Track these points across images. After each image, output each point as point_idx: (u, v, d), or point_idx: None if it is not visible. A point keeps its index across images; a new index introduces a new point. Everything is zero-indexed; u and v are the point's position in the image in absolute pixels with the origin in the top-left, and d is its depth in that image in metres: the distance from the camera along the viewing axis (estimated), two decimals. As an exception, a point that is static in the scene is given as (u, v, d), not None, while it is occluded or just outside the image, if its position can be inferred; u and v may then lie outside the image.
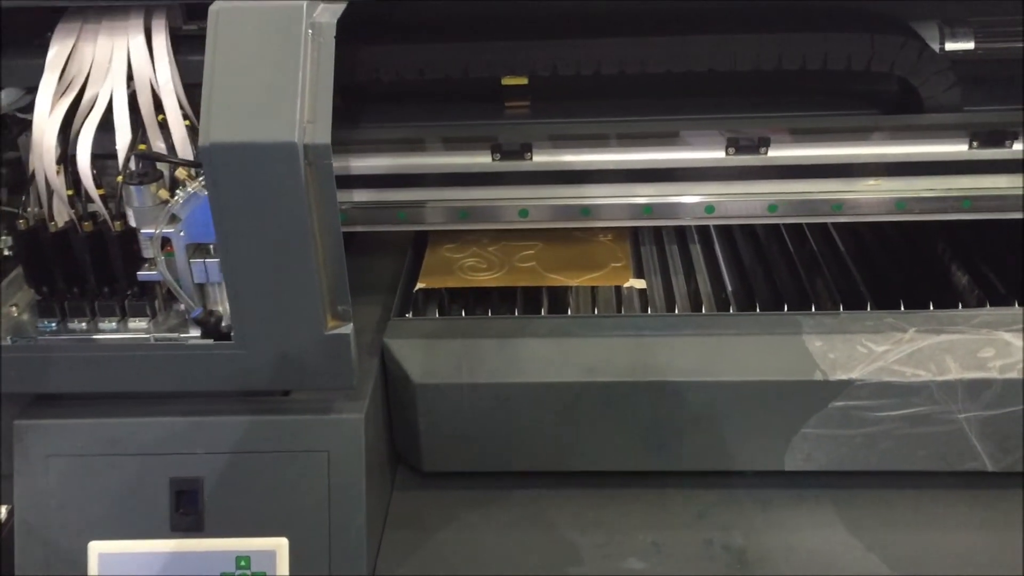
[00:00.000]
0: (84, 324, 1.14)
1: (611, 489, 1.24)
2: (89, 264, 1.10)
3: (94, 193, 1.07)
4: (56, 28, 1.09)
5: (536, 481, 1.25)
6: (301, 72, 0.99)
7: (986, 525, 1.18)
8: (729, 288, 1.39)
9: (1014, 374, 1.15)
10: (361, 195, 1.27)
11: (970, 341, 1.18)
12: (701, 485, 1.24)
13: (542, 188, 1.26)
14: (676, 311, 1.32)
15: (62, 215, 1.09)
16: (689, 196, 1.26)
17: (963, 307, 1.25)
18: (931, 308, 1.24)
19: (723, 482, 1.24)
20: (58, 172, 1.07)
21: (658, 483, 1.24)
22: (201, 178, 1.03)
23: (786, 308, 1.27)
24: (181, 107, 1.06)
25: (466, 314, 1.31)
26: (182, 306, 1.11)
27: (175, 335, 1.12)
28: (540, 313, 1.31)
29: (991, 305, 1.26)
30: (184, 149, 1.06)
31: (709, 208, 1.26)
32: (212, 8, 1.01)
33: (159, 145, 1.08)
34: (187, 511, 1.10)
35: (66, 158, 1.07)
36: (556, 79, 1.25)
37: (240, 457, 1.11)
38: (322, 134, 0.99)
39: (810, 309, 1.26)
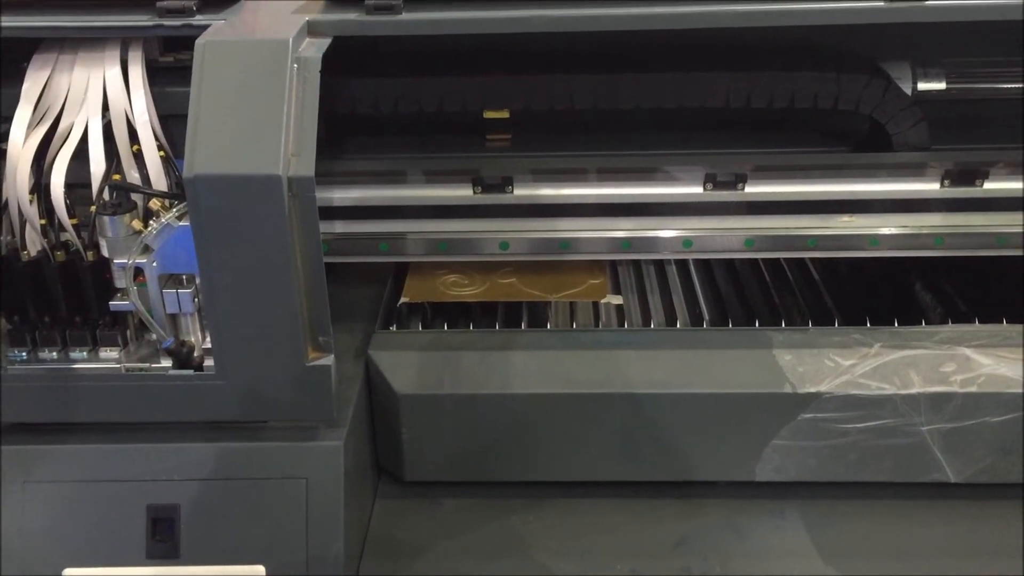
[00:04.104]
0: (55, 354, 1.05)
1: (588, 500, 1.18)
2: (61, 293, 1.02)
3: (67, 222, 0.99)
4: (32, 58, 1.01)
5: (514, 492, 1.18)
6: (286, 106, 0.93)
7: (950, 537, 1.13)
8: (703, 304, 1.34)
9: (975, 388, 1.11)
10: (343, 226, 1.20)
11: (932, 356, 1.14)
12: (676, 495, 1.17)
13: (522, 221, 1.20)
14: (652, 326, 1.26)
15: (35, 244, 1.01)
16: (667, 231, 1.20)
17: (926, 323, 1.21)
18: (896, 324, 1.19)
19: (698, 492, 1.18)
20: (31, 201, 0.98)
21: (633, 494, 1.18)
22: (175, 209, 0.96)
23: (757, 324, 1.23)
24: (156, 138, 0.99)
25: (448, 328, 1.25)
26: (154, 336, 1.03)
27: (146, 365, 1.04)
28: (520, 327, 1.25)
29: (952, 322, 1.22)
30: (158, 180, 0.99)
31: (687, 242, 1.21)
32: (199, 42, 0.95)
33: (133, 175, 1.00)
34: (163, 538, 1.02)
35: (40, 187, 0.99)
36: (536, 113, 1.19)
37: (217, 484, 1.04)
38: (306, 167, 0.93)
39: (780, 325, 1.21)
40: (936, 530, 1.13)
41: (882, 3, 1.01)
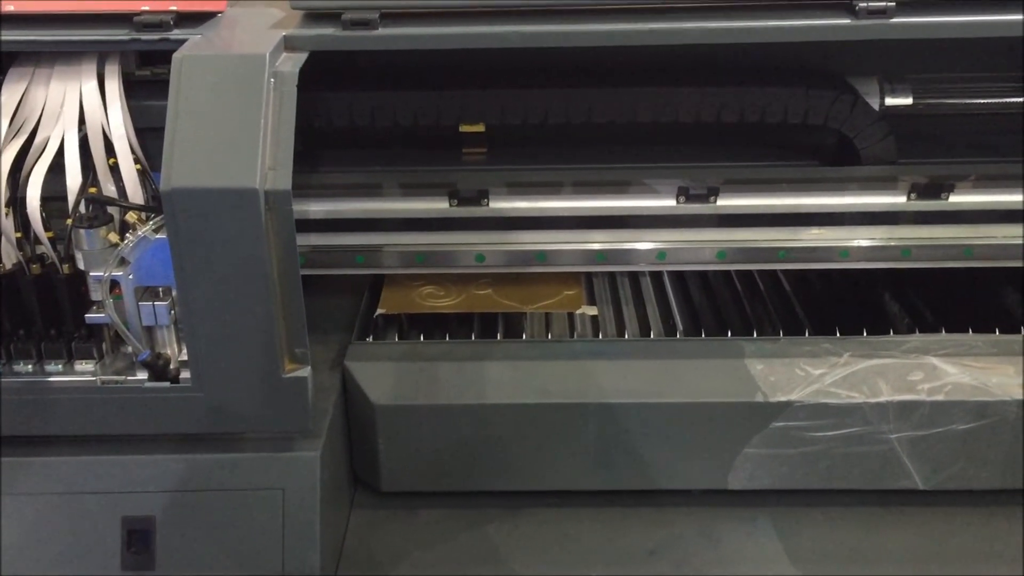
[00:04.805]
0: (30, 366, 1.04)
1: (563, 509, 1.18)
2: (36, 306, 1.02)
3: (43, 236, 0.99)
4: (8, 72, 1.02)
5: (490, 501, 1.19)
6: (263, 120, 0.94)
7: (919, 543, 1.14)
8: (676, 315, 1.35)
9: (941, 396, 1.13)
10: (320, 238, 1.21)
11: (900, 365, 1.16)
12: (650, 504, 1.18)
13: (498, 234, 1.21)
14: (626, 336, 1.27)
15: (10, 257, 1.01)
16: (641, 243, 1.22)
17: (894, 333, 1.22)
18: (864, 334, 1.21)
19: (672, 501, 1.18)
20: (7, 214, 0.98)
21: (608, 503, 1.19)
22: (151, 222, 0.96)
23: (730, 334, 1.24)
24: (133, 151, 0.99)
25: (424, 339, 1.24)
26: (130, 349, 1.03)
27: (122, 377, 1.03)
28: (496, 338, 1.26)
29: (920, 332, 1.23)
30: (135, 193, 1.00)
31: (661, 255, 1.22)
32: (176, 56, 0.95)
33: (110, 189, 1.00)
34: (138, 550, 1.02)
35: (15, 200, 0.99)
36: (512, 127, 1.20)
37: (193, 495, 1.04)
38: (283, 180, 0.93)
39: (752, 335, 1.23)
40: (906, 536, 1.14)
41: (848, 20, 1.03)
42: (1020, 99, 1.28)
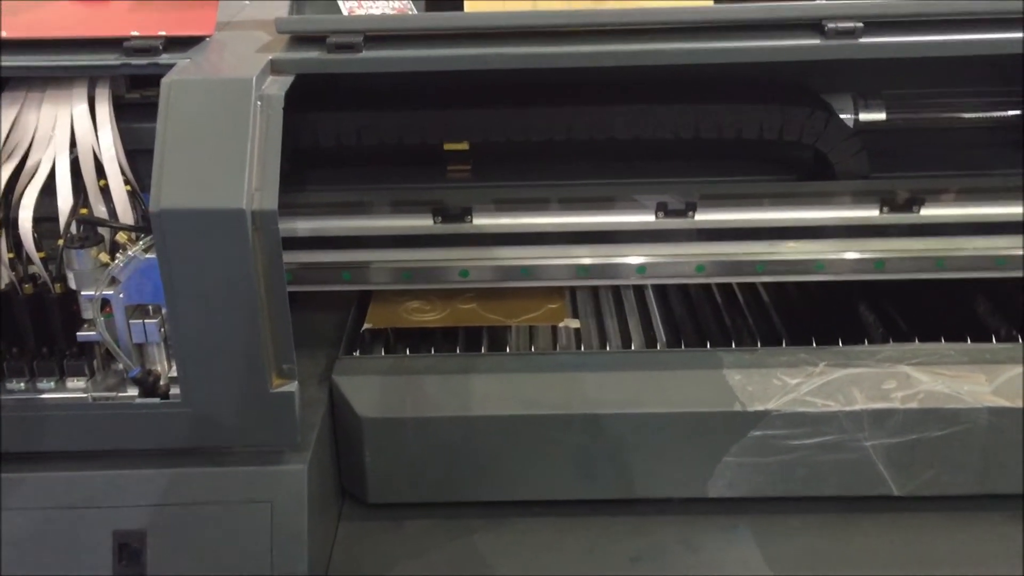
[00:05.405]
0: (23, 384, 1.07)
1: (547, 519, 1.20)
2: (29, 325, 1.04)
3: (35, 256, 1.02)
4: (1, 97, 1.04)
5: (475, 512, 1.21)
6: (250, 142, 0.96)
7: (895, 549, 1.16)
8: (658, 327, 1.38)
9: (915, 404, 1.15)
10: (307, 256, 1.23)
11: (874, 374, 1.18)
12: (632, 512, 1.20)
13: (482, 249, 1.24)
14: (608, 348, 1.30)
15: (2, 277, 1.03)
16: (622, 258, 1.24)
17: (869, 343, 1.25)
18: (840, 344, 1.23)
19: (653, 509, 1.20)
20: (0, 235, 1.00)
21: (591, 512, 1.21)
22: (142, 242, 0.99)
23: (709, 345, 1.27)
24: (123, 173, 1.02)
25: (411, 353, 1.27)
26: (121, 366, 1.05)
27: (113, 394, 1.05)
28: (481, 351, 1.28)
29: (894, 341, 1.26)
30: (125, 214, 1.02)
31: (641, 269, 1.25)
32: (164, 80, 0.98)
33: (100, 209, 1.03)
34: (129, 564, 1.03)
35: (7, 221, 1.01)
36: (495, 144, 1.23)
37: (183, 509, 1.05)
38: (269, 201, 0.96)
39: (731, 346, 1.26)
40: (882, 542, 1.16)
41: (817, 41, 1.06)
42: (990, 114, 1.33)
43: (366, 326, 1.28)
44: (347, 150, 1.21)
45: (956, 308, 1.36)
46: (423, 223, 1.21)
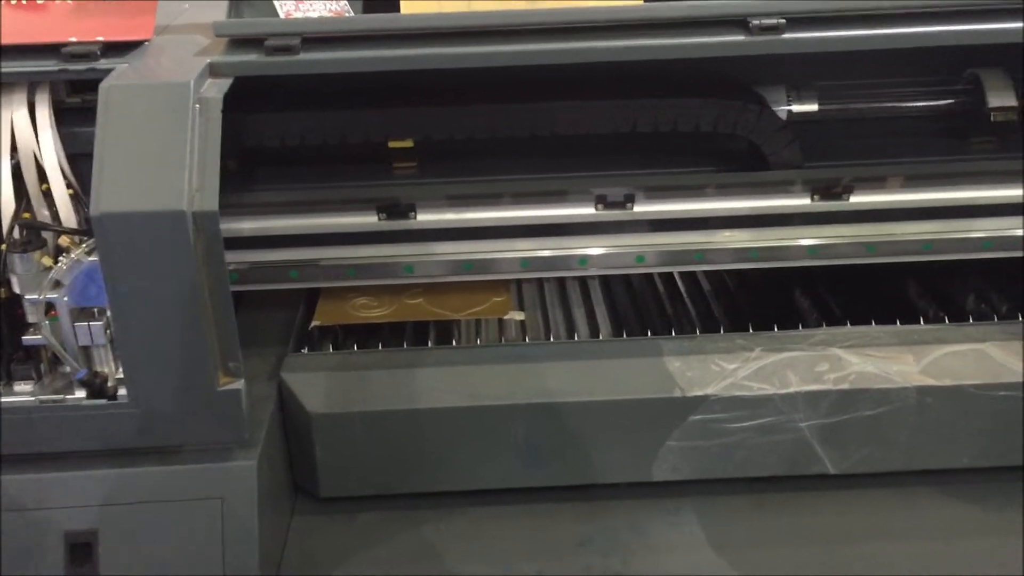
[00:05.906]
0: None
1: (496, 507, 1.23)
2: None
3: None
4: None
5: (426, 503, 1.23)
6: (189, 144, 0.97)
7: (833, 524, 1.20)
8: (602, 317, 1.40)
9: (846, 385, 1.19)
10: (254, 255, 1.24)
11: (808, 357, 1.22)
12: (579, 498, 1.23)
13: (425, 245, 1.26)
14: (552, 339, 1.32)
15: None
16: (564, 250, 1.27)
17: (803, 327, 1.28)
18: (775, 329, 1.27)
19: (600, 494, 1.23)
20: None
21: (539, 499, 1.23)
22: (84, 245, 0.99)
23: (650, 334, 1.30)
24: (65, 176, 1.03)
25: (359, 348, 1.28)
26: (68, 368, 1.05)
27: (61, 396, 1.06)
28: (428, 345, 1.30)
29: (827, 325, 1.30)
30: (68, 217, 1.03)
31: (582, 260, 1.27)
32: (102, 85, 0.99)
33: (43, 214, 1.04)
34: (81, 564, 1.04)
35: None
36: (438, 142, 1.24)
37: (134, 508, 1.06)
38: (210, 201, 0.97)
39: (671, 334, 1.29)
40: (820, 519, 1.21)
41: (742, 37, 1.10)
42: (922, 103, 1.37)
43: (314, 323, 1.30)
44: (293, 149, 1.22)
45: (888, 292, 1.40)
46: (368, 220, 1.23)
